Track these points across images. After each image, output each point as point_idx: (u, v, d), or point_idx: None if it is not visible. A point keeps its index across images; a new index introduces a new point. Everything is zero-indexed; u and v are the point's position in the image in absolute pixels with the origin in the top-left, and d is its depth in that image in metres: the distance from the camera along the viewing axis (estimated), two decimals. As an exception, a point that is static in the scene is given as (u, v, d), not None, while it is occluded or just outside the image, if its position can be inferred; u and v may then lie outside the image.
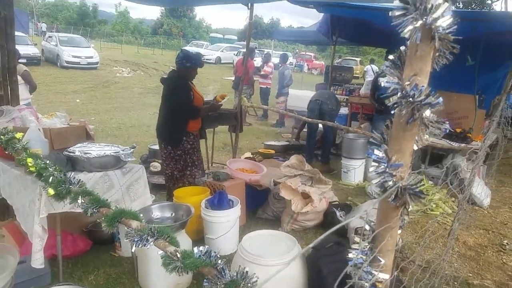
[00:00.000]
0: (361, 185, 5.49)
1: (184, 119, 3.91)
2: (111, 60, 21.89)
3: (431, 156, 5.53)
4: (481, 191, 4.75)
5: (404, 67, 0.86)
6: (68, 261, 3.09)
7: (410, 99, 0.83)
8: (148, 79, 17.94)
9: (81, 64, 18.26)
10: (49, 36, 20.90)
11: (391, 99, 0.86)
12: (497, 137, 5.80)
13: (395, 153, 0.88)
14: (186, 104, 3.86)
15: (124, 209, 1.74)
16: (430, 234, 4.00)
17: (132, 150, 2.94)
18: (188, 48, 32.10)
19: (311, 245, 0.79)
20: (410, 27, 0.81)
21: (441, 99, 0.83)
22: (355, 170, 5.62)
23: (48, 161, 2.36)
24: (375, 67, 16.52)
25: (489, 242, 3.93)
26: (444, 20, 0.79)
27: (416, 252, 3.41)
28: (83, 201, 1.94)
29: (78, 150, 2.78)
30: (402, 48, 0.87)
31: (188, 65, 3.89)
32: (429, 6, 0.79)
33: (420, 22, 0.80)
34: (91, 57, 18.89)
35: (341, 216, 3.86)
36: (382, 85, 0.87)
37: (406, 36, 0.82)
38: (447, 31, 0.80)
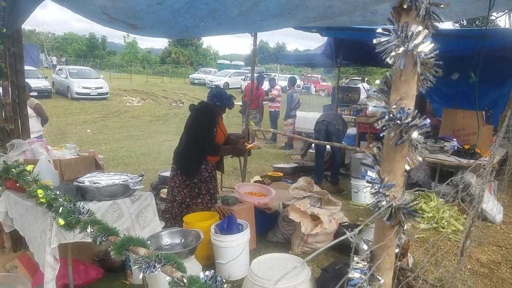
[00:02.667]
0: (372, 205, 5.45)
1: (203, 154, 3.98)
2: (121, 90, 22.39)
3: (441, 174, 5.49)
4: (492, 206, 4.69)
5: (390, 92, 0.90)
6: (80, 290, 3.11)
7: (398, 121, 0.86)
8: (157, 107, 18.27)
9: (91, 95, 18.69)
10: (59, 69, 21.48)
11: (379, 122, 0.90)
12: (507, 152, 5.75)
13: (387, 173, 0.92)
14: (206, 141, 3.91)
15: (132, 237, 1.78)
16: (442, 252, 3.94)
17: (140, 178, 3.00)
18: (196, 75, 32.82)
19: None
20: (393, 54, 0.86)
21: (428, 120, 0.87)
22: (365, 190, 5.58)
23: (58, 192, 2.42)
24: (366, 85, 16.92)
25: (502, 259, 3.86)
26: (425, 46, 0.84)
27: (428, 271, 3.36)
28: (92, 230, 1.98)
29: (87, 180, 2.84)
30: (388, 73, 0.92)
31: (218, 104, 3.98)
32: (410, 33, 0.84)
33: (402, 48, 0.85)
34: (101, 88, 19.34)
35: (351, 237, 3.82)
36: (370, 109, 0.91)
37: (390, 62, 0.87)
38: (428, 56, 0.85)
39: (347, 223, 4.24)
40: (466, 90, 6.84)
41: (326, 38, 8.46)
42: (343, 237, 0.90)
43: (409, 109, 0.87)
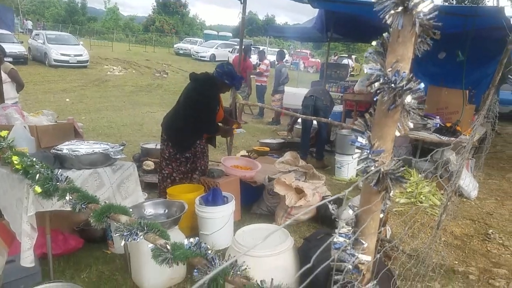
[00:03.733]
0: (354, 180, 5.53)
1: (201, 131, 3.86)
2: (102, 58, 21.74)
3: (422, 150, 5.60)
4: (469, 183, 4.84)
5: (386, 54, 0.87)
6: (59, 259, 3.08)
7: (392, 85, 0.83)
8: (140, 77, 17.85)
9: (70, 63, 17.98)
10: (36, 34, 20.50)
11: (374, 85, 0.87)
12: (486, 131, 5.87)
13: (378, 139, 0.89)
14: (209, 120, 3.78)
15: (113, 204, 1.74)
16: (419, 224, 4.07)
17: (122, 147, 2.92)
18: (181, 45, 31.99)
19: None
20: (391, 12, 0.82)
21: (422, 85, 0.84)
22: (348, 166, 5.65)
23: (34, 159, 2.34)
24: (351, 62, 17.06)
25: (475, 232, 4.03)
26: (425, 5, 0.80)
27: (405, 242, 3.47)
28: (71, 198, 1.93)
29: (66, 148, 2.75)
30: (385, 34, 0.88)
31: (227, 82, 3.78)
32: (410, -9, 0.80)
33: (401, 7, 0.81)
34: (81, 55, 18.60)
35: (333, 210, 3.87)
36: (365, 71, 0.88)
37: (388, 22, 0.83)
38: (428, 17, 0.81)
39: (329, 197, 4.29)
40: (452, 69, 6.91)
41: (317, 11, 8.31)
42: (321, 203, 0.88)
43: (404, 72, 0.84)
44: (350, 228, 0.91)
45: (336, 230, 0.91)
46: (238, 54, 6.15)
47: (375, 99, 0.89)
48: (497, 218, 4.41)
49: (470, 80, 6.71)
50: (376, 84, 0.86)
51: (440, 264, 3.18)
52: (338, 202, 4.04)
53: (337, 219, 2.99)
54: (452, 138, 5.07)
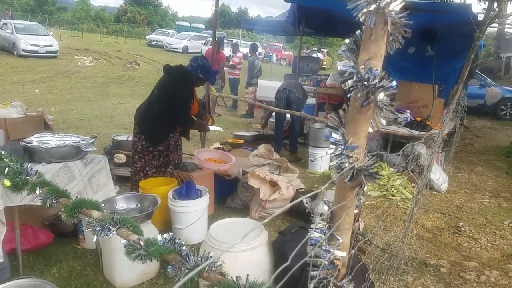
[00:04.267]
0: (327, 173, 5.61)
1: (175, 125, 3.80)
2: (72, 49, 21.05)
3: (393, 144, 5.74)
4: (439, 176, 4.97)
5: (359, 51, 0.88)
6: (29, 254, 2.99)
7: (365, 82, 0.85)
8: (111, 68, 17.42)
9: (39, 53, 17.45)
10: (4, 24, 19.77)
11: (347, 82, 0.88)
12: (455, 125, 6.08)
13: (351, 135, 0.91)
14: (183, 114, 3.72)
15: (84, 199, 1.70)
16: (391, 218, 4.17)
17: (93, 140, 2.86)
18: (153, 36, 31.39)
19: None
20: (364, 11, 0.83)
21: (394, 82, 0.86)
22: (321, 159, 5.72)
23: (3, 152, 2.26)
24: (320, 55, 17.69)
25: (445, 225, 4.12)
26: (396, 4, 0.82)
27: (378, 235, 3.54)
28: (41, 192, 1.87)
29: (35, 140, 2.67)
30: (358, 32, 0.89)
31: (201, 76, 3.71)
32: (382, -10, 0.81)
33: (373, 5, 0.82)
34: (50, 46, 18.07)
35: (307, 203, 3.94)
36: (339, 68, 0.89)
37: (361, 20, 0.84)
38: (399, 15, 0.83)
39: (303, 190, 4.35)
40: (421, 63, 7.09)
41: (289, 5, 8.33)
42: (298, 200, 0.89)
43: (376, 70, 0.85)
44: (326, 224, 0.93)
45: (312, 226, 0.92)
46: (211, 46, 6.09)
47: (348, 96, 0.90)
48: (467, 211, 4.54)
49: (439, 75, 6.91)
50: (350, 81, 0.87)
51: (412, 258, 3.26)
52: (312, 195, 4.09)
53: (311, 213, 3.04)
54: (423, 132, 5.23)
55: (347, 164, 0.89)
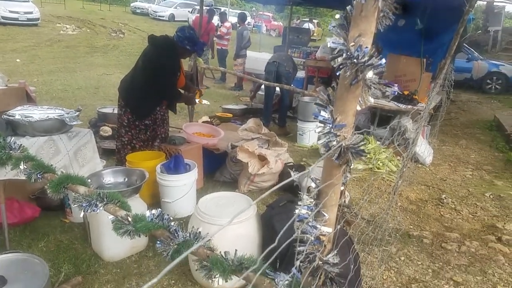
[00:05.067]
0: (315, 147, 5.65)
1: (161, 98, 3.72)
2: (54, 16, 20.27)
3: (380, 118, 5.78)
4: (424, 150, 5.06)
5: (349, 28, 0.86)
6: (15, 229, 2.99)
7: (354, 60, 0.84)
8: (95, 37, 16.92)
9: (19, 20, 16.70)
10: (-19, -11, 18.88)
11: (337, 60, 0.87)
12: (441, 99, 6.13)
13: (339, 114, 0.91)
14: (169, 87, 3.64)
15: (70, 175, 1.68)
16: (376, 190, 4.25)
17: (77, 113, 2.81)
18: (138, 3, 30.35)
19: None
20: (355, -14, 0.81)
21: (383, 60, 0.85)
22: (309, 133, 5.75)
23: (-15, 126, 2.20)
24: (312, 26, 17.60)
25: (429, 197, 4.23)
26: (388, -20, 0.80)
27: (363, 208, 3.62)
28: (25, 167, 1.84)
29: (18, 113, 2.61)
30: (348, 7, 0.87)
31: (188, 48, 3.61)
32: (374, -35, 0.79)
33: (365, -19, 0.80)
34: (31, 13, 17.29)
35: (295, 178, 3.98)
36: (329, 45, 0.88)
37: (352, -5, 0.82)
38: (390, -9, 0.81)
39: (292, 164, 4.38)
40: (410, 37, 7.04)
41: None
42: (289, 180, 0.89)
43: (366, 47, 0.84)
44: (313, 201, 0.94)
45: (300, 203, 0.93)
46: (198, 14, 5.94)
47: (337, 74, 0.89)
48: (450, 183, 4.65)
49: (427, 49, 6.89)
50: (339, 59, 0.86)
51: (396, 229, 3.36)
52: (300, 169, 4.13)
53: (299, 186, 3.07)
54: (410, 106, 5.26)
55: (334, 143, 0.89)
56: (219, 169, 4.32)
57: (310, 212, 0.91)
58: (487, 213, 3.90)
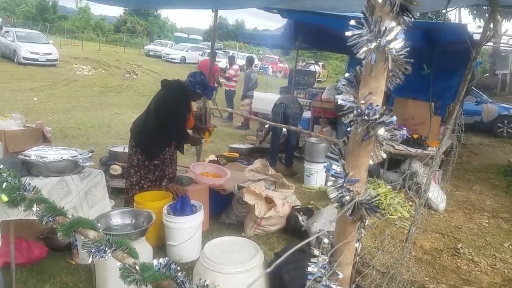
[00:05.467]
0: (323, 189, 5.58)
1: (171, 139, 3.82)
2: (71, 57, 21.14)
3: (390, 162, 5.73)
4: (437, 195, 4.93)
5: (359, 86, 0.89)
6: (22, 269, 2.95)
7: (365, 117, 0.85)
8: (109, 78, 17.47)
9: (39, 61, 17.57)
10: (6, 31, 19.96)
11: (347, 116, 0.89)
12: (452, 143, 6.10)
13: (352, 168, 0.91)
14: (180, 130, 3.76)
15: (81, 218, 1.68)
16: (389, 237, 4.11)
17: (90, 154, 2.85)
18: (152, 46, 31.60)
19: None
20: (365, 48, 0.84)
21: (394, 118, 0.87)
22: (317, 174, 5.71)
23: (1, 166, 2.24)
24: (317, 67, 18.30)
25: (444, 246, 4.04)
26: (397, 43, 0.83)
27: (375, 257, 3.48)
28: (38, 209, 1.86)
29: (34, 154, 2.66)
30: (358, 67, 0.90)
31: (199, 92, 3.76)
32: (383, 28, 0.82)
33: (374, 43, 0.83)
34: (50, 54, 18.20)
35: (303, 221, 3.92)
36: (339, 102, 0.90)
37: (361, 57, 0.85)
38: (400, 53, 0.84)
39: (299, 207, 4.32)
40: (416, 81, 7.12)
41: (285, 19, 8.44)
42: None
43: (377, 105, 0.86)
44: (326, 258, 0.92)
45: (312, 260, 0.91)
46: (207, 58, 6.16)
47: (348, 129, 0.91)
48: (465, 232, 4.46)
49: (435, 92, 6.95)
50: (350, 115, 0.88)
51: (411, 281, 3.18)
52: (308, 213, 4.08)
53: (307, 231, 3.01)
54: (420, 150, 5.23)
55: (347, 198, 0.89)
56: (225, 210, 4.28)
57: (323, 271, 0.89)
58: (507, 265, 3.70)
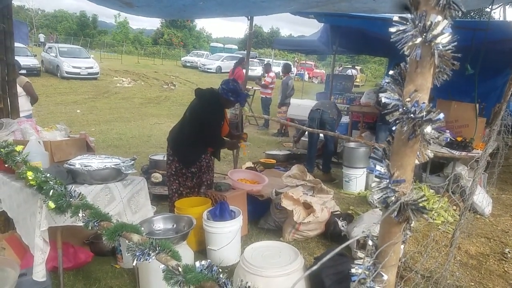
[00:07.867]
0: (363, 194, 5.48)
1: (206, 146, 3.89)
2: (111, 70, 22.03)
3: (432, 165, 5.52)
4: (482, 199, 4.73)
5: (404, 83, 0.87)
6: (69, 273, 3.08)
7: (411, 115, 0.83)
8: (148, 89, 18.03)
9: (81, 75, 18.38)
10: (49, 47, 21.04)
11: (392, 115, 0.86)
12: (497, 145, 5.79)
13: (397, 168, 0.89)
14: (215, 136, 3.82)
15: (125, 223, 1.74)
16: (432, 242, 3.97)
17: (132, 162, 2.94)
18: (188, 57, 32.40)
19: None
20: (409, 44, 0.82)
21: (442, 115, 0.84)
22: (356, 179, 5.61)
23: (48, 174, 2.36)
24: (354, 71, 18.07)
25: (490, 251, 3.90)
26: (444, 37, 0.80)
27: (419, 262, 3.38)
28: (83, 215, 1.94)
29: (78, 162, 2.78)
30: (402, 64, 0.88)
31: (232, 99, 3.81)
32: (428, 23, 0.80)
33: (419, 39, 0.81)
34: (91, 68, 19.02)
35: (343, 226, 3.85)
36: (383, 101, 0.88)
37: (406, 53, 0.83)
38: (446, 47, 0.81)
39: (338, 212, 4.25)
40: (459, 81, 6.83)
41: (321, 25, 8.38)
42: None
43: (423, 102, 0.83)
44: (370, 259, 0.90)
45: (356, 262, 0.89)
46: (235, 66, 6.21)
47: (393, 128, 0.88)
48: (513, 236, 4.26)
49: (479, 93, 6.64)
50: (395, 114, 0.85)
51: (455, 286, 3.09)
52: (348, 218, 4.00)
53: (347, 236, 2.96)
54: (464, 153, 5.02)
55: (393, 198, 0.86)
56: (263, 216, 4.28)
57: (368, 272, 0.87)
58: (558, 271, 3.51)
